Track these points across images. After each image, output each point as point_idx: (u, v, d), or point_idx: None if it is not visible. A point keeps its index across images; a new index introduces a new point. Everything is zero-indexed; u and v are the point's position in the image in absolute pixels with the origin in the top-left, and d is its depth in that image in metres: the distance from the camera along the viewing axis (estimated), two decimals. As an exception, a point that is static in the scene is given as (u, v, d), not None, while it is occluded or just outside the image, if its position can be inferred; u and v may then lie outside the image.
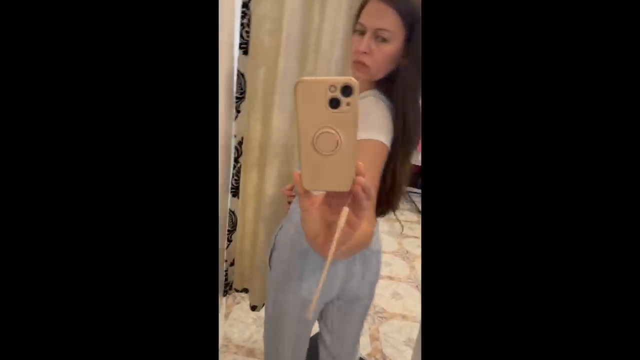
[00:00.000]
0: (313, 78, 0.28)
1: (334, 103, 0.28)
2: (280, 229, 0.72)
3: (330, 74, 0.93)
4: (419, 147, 0.57)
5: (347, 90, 0.28)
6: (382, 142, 0.53)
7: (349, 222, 0.31)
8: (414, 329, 1.52)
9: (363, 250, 0.65)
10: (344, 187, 0.31)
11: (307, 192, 0.32)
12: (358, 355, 0.81)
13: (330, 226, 0.34)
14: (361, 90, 0.58)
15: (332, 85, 0.28)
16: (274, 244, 0.71)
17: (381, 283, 1.88)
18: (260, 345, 1.30)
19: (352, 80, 0.27)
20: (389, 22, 0.55)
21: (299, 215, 0.43)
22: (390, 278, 1.95)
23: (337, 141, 0.29)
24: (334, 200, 0.33)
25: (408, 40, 0.56)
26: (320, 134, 0.29)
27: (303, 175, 0.31)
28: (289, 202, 0.78)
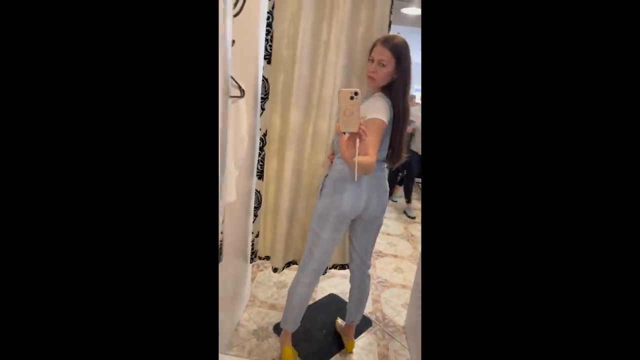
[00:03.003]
0: (344, 89, 0.71)
1: (352, 97, 0.73)
2: (326, 176, 1.10)
3: (336, 77, 1.17)
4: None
5: (356, 93, 0.73)
6: (381, 119, 0.95)
7: (359, 147, 0.78)
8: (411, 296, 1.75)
9: (371, 179, 1.07)
10: (355, 129, 0.75)
11: (342, 133, 0.77)
12: (371, 258, 1.26)
13: (352, 151, 0.79)
14: (372, 93, 1.03)
15: (351, 91, 0.71)
16: (323, 184, 1.12)
17: (386, 260, 2.12)
18: (280, 302, 1.57)
19: (357, 90, 0.74)
20: (385, 56, 0.97)
21: (337, 165, 1.05)
22: (394, 256, 2.18)
23: (352, 111, 0.73)
24: (351, 137, 0.78)
25: (397, 65, 0.98)
26: (346, 108, 0.73)
27: (340, 126, 0.76)
28: (331, 161, 1.18)
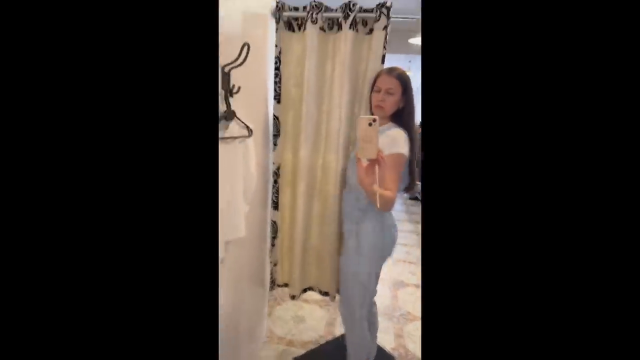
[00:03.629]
0: (363, 116, 0.80)
1: (370, 124, 0.77)
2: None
3: (341, 111, 1.23)
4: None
5: (375, 120, 0.77)
6: (403, 153, 0.98)
7: (378, 175, 0.81)
8: (437, 329, 1.66)
9: (386, 212, 1.08)
10: (374, 156, 0.79)
11: (359, 160, 0.82)
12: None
13: (372, 178, 0.83)
14: (382, 122, 1.02)
15: (370, 118, 0.77)
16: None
17: (407, 290, 2.03)
18: (297, 338, 1.53)
19: (376, 117, 0.78)
20: (393, 84, 1.01)
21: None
22: (417, 286, 2.10)
23: (371, 138, 0.77)
24: (370, 164, 0.82)
25: (403, 92, 1.03)
26: (364, 135, 0.77)
27: (359, 153, 0.79)
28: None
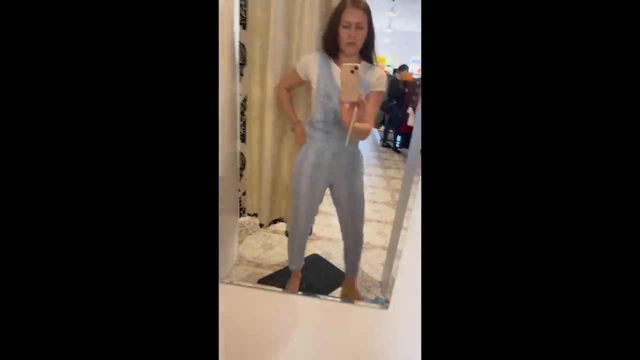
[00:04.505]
0: (346, 64, 0.89)
1: (352, 71, 0.87)
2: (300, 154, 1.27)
3: (311, 41, 1.20)
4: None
5: (356, 67, 0.86)
6: (383, 91, 1.11)
7: (357, 115, 0.93)
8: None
9: (358, 145, 1.21)
10: (356, 99, 0.91)
11: (342, 102, 0.93)
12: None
13: (351, 118, 0.95)
14: (353, 58, 1.09)
15: (352, 65, 0.86)
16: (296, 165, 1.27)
17: (370, 224, 2.22)
18: (266, 261, 1.68)
19: (358, 65, 0.87)
20: (362, 18, 1.03)
21: (309, 146, 1.23)
22: (378, 221, 2.29)
23: (354, 84, 0.87)
24: (351, 105, 0.93)
25: (368, 24, 1.05)
26: (347, 81, 0.88)
27: (342, 97, 0.92)
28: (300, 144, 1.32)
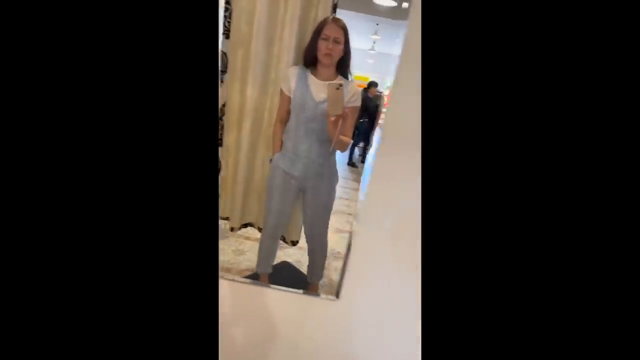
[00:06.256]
0: (331, 82, 1.04)
1: (337, 88, 1.02)
2: (271, 160, 1.35)
3: (290, 56, 1.28)
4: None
5: (340, 85, 1.02)
6: (359, 106, 1.22)
7: (340, 128, 1.08)
8: (360, 266, 1.93)
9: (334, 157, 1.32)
10: (340, 112, 1.06)
11: (329, 116, 1.07)
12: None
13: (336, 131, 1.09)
14: (330, 72, 1.21)
15: (337, 83, 1.02)
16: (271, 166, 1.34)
17: (342, 235, 2.27)
18: (234, 265, 1.69)
19: (342, 82, 1.03)
20: (340, 33, 1.16)
21: (283, 153, 1.32)
22: (350, 232, 2.35)
23: (338, 100, 1.03)
24: (336, 118, 1.07)
25: (346, 43, 1.18)
26: (332, 97, 1.03)
27: (329, 112, 1.06)
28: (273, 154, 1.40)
